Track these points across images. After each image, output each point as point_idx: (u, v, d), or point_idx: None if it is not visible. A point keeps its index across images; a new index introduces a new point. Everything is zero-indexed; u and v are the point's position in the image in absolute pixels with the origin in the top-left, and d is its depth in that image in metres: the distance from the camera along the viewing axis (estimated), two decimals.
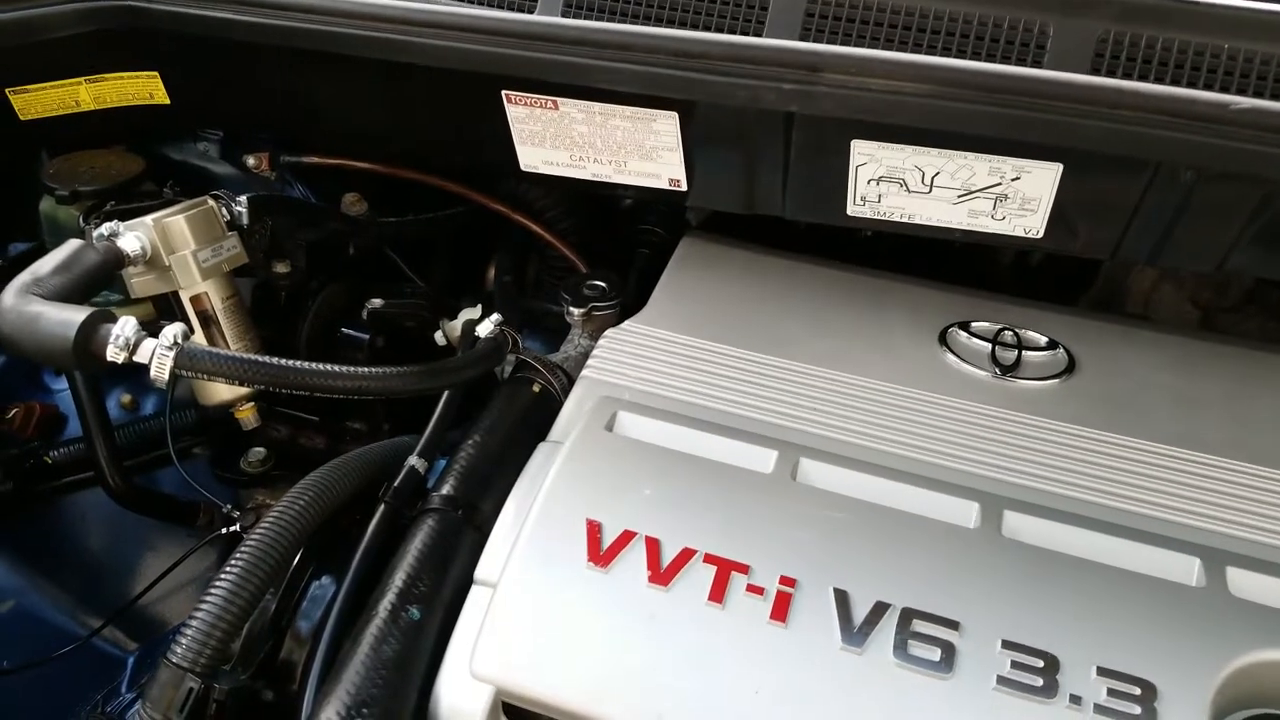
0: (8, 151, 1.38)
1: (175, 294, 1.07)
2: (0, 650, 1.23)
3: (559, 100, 1.03)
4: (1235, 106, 0.77)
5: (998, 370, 1.03)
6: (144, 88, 1.25)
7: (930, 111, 0.87)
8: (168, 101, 1.24)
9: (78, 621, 1.28)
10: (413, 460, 0.98)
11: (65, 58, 1.19)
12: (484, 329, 1.07)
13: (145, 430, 1.32)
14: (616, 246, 1.39)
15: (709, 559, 0.83)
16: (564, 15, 1.07)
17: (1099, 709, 0.73)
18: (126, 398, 1.39)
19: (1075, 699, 0.74)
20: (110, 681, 1.25)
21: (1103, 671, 0.75)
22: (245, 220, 1.11)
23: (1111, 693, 0.74)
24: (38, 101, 1.23)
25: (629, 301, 1.18)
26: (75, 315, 0.84)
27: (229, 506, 1.16)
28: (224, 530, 1.14)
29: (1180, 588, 0.82)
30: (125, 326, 0.84)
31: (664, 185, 1.09)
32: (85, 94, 1.24)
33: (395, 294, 1.27)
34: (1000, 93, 0.85)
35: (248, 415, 1.15)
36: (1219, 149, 0.79)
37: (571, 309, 1.17)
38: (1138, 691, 0.74)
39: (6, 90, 1.20)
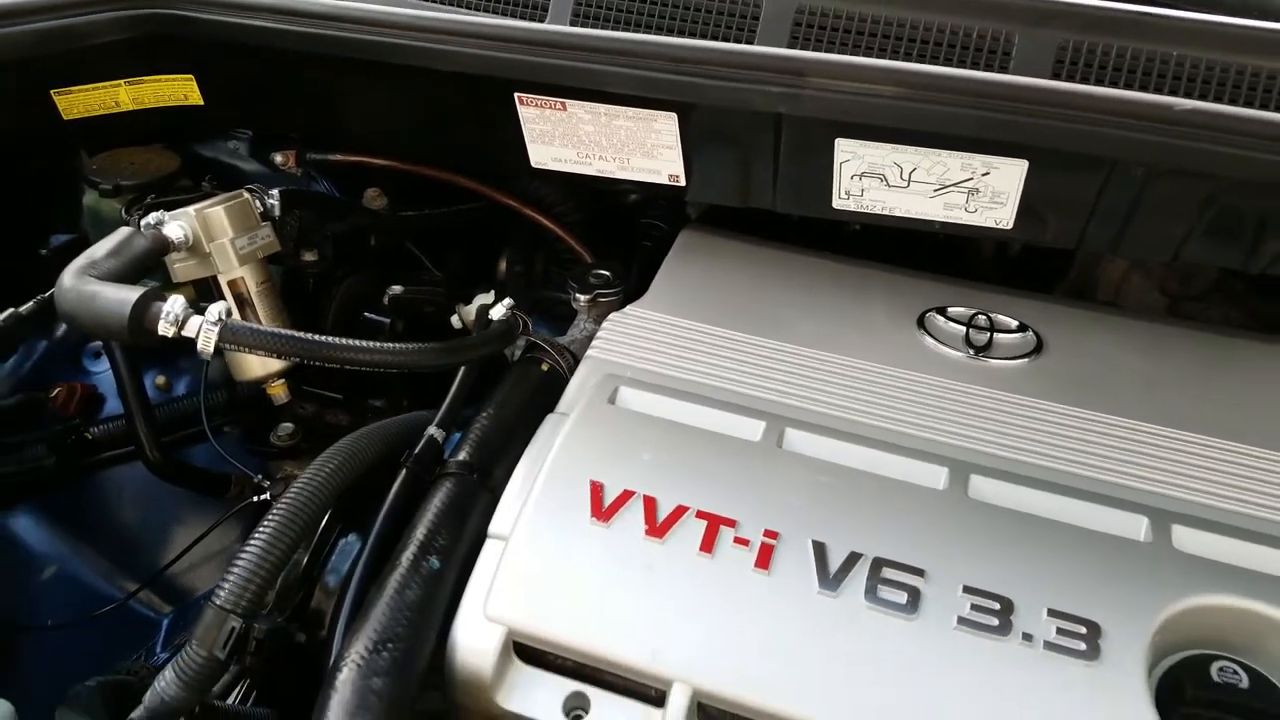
0: (51, 149, 1.47)
1: (214, 278, 1.16)
2: (44, 610, 1.33)
3: (567, 102, 1.12)
4: (1179, 107, 0.86)
5: (971, 351, 1.11)
6: (180, 90, 1.33)
7: (905, 112, 0.95)
8: (201, 103, 1.33)
9: (115, 586, 1.37)
10: (431, 430, 1.07)
11: (107, 61, 1.27)
12: (497, 312, 1.16)
13: (179, 409, 1.41)
14: (621, 240, 1.48)
15: (700, 515, 0.92)
16: (572, 24, 1.16)
17: (1048, 645, 0.82)
18: (161, 379, 1.48)
19: (1027, 636, 0.82)
20: (146, 642, 1.35)
21: (1053, 613, 0.84)
22: (277, 212, 1.21)
23: (1060, 631, 0.82)
24: (80, 102, 1.32)
25: (632, 289, 1.26)
26: (130, 294, 0.93)
27: (259, 477, 1.25)
28: (255, 499, 1.23)
29: (1128, 542, 0.90)
30: (175, 304, 0.93)
31: (664, 181, 1.18)
32: (124, 95, 1.33)
33: (414, 282, 1.36)
34: (969, 95, 0.93)
35: (279, 391, 1.24)
36: (1164, 146, 0.88)
37: (578, 295, 1.26)
38: (1083, 630, 0.82)
39: (51, 92, 1.29)
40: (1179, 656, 0.85)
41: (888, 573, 0.87)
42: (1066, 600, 0.84)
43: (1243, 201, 0.95)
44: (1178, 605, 0.85)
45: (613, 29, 1.12)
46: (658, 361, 1.11)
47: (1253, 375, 1.09)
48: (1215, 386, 1.08)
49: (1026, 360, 1.11)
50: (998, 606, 0.84)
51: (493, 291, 1.29)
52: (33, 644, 1.26)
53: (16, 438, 1.38)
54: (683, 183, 1.17)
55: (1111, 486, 0.96)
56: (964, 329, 1.14)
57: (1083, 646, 0.82)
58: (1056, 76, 0.98)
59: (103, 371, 1.51)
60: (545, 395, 1.11)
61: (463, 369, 1.12)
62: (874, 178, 1.07)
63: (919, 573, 0.87)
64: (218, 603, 0.88)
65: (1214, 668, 0.84)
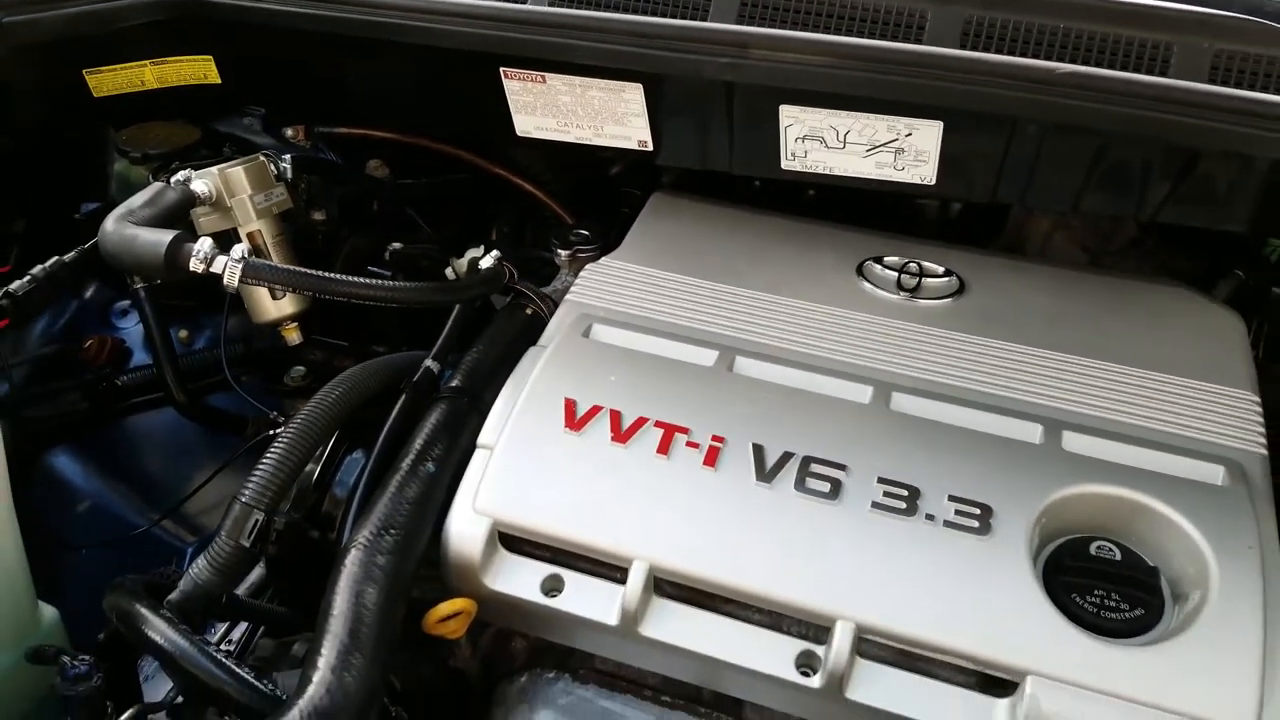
0: (82, 124, 1.62)
1: (234, 230, 1.31)
2: (82, 537, 1.47)
3: (546, 75, 1.27)
4: (1059, 71, 1.01)
5: (901, 293, 1.26)
6: (200, 69, 1.48)
7: (835, 79, 1.10)
8: (219, 81, 1.47)
9: (145, 518, 1.52)
10: (428, 361, 1.22)
11: (134, 43, 1.42)
12: (485, 262, 1.32)
13: (200, 360, 1.56)
14: (602, 207, 1.63)
15: (658, 424, 1.07)
16: (550, 4, 1.31)
17: (947, 524, 0.97)
18: (184, 333, 1.64)
19: (930, 516, 0.98)
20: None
21: (952, 498, 0.99)
22: (289, 175, 1.36)
23: (958, 512, 0.98)
24: (109, 81, 1.46)
25: (608, 247, 1.41)
26: (164, 235, 1.08)
27: (275, 414, 1.40)
28: (270, 432, 1.37)
29: (1024, 444, 1.06)
30: (204, 244, 1.08)
31: (634, 146, 1.33)
32: (150, 74, 1.47)
33: (412, 242, 1.51)
34: (889, 63, 1.08)
35: (292, 334, 1.39)
36: (1050, 105, 1.03)
37: (559, 251, 1.41)
38: (978, 511, 0.98)
39: (83, 71, 1.43)
40: (1063, 540, 1.00)
41: (815, 468, 1.02)
42: (965, 488, 1.00)
43: (1125, 154, 1.10)
44: (1061, 492, 1.00)
45: (584, 9, 1.27)
46: (628, 304, 1.26)
47: (1143, 311, 1.24)
48: (1110, 321, 1.23)
49: (950, 300, 1.26)
50: (906, 493, 0.99)
51: (483, 246, 1.44)
52: (73, 563, 1.41)
53: (53, 385, 1.53)
54: (650, 148, 1.32)
55: (1014, 402, 1.11)
56: (897, 274, 1.29)
57: (976, 525, 0.97)
58: (963, 46, 1.13)
59: (130, 327, 1.66)
60: (529, 335, 1.25)
61: (456, 308, 1.27)
62: (815, 140, 1.22)
63: (841, 467, 1.02)
64: (244, 499, 1.03)
65: (1092, 546, 0.99)
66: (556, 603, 1.01)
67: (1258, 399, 1.12)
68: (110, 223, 1.11)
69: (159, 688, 1.25)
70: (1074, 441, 1.06)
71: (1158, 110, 0.99)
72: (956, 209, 1.55)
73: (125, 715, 1.02)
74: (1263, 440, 1.07)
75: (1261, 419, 1.10)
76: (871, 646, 0.95)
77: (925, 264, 1.30)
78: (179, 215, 1.21)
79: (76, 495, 1.52)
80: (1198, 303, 1.26)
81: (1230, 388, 1.13)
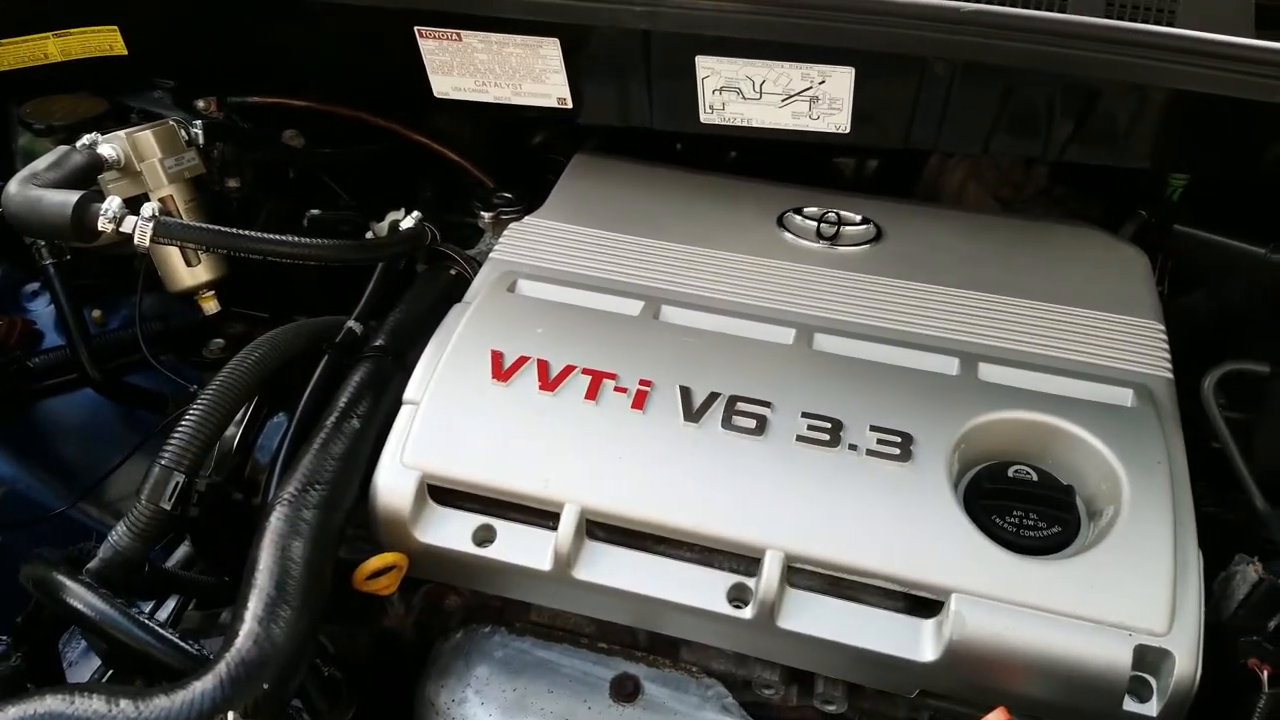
0: None
1: (145, 195, 1.28)
2: None
3: (461, 32, 1.26)
4: (964, 9, 1.03)
5: (821, 241, 1.28)
6: (105, 40, 1.44)
7: (749, 25, 1.12)
8: (125, 52, 1.44)
9: (63, 502, 1.48)
10: (350, 323, 1.21)
11: (35, 13, 1.38)
12: (406, 223, 1.30)
13: (116, 339, 1.51)
14: (525, 174, 1.62)
15: (585, 371, 1.07)
16: None
17: (870, 452, 0.99)
18: (97, 313, 1.59)
19: (853, 446, 1.00)
20: None
21: (874, 428, 1.01)
22: (201, 140, 1.33)
23: (880, 441, 1.00)
24: (10, 54, 1.42)
25: (532, 209, 1.41)
26: (70, 196, 1.05)
27: (194, 388, 1.37)
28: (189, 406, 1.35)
29: (941, 376, 1.08)
30: (112, 203, 1.06)
31: (554, 104, 1.33)
32: (53, 47, 1.43)
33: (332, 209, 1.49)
34: (800, 7, 1.10)
35: (209, 302, 1.37)
36: (957, 43, 1.05)
37: (483, 213, 1.41)
38: (899, 440, 1.00)
39: None
40: (982, 465, 1.03)
41: (740, 406, 1.03)
42: (886, 418, 1.02)
43: (1030, 92, 1.13)
44: (979, 419, 1.02)
45: None
46: (553, 260, 1.26)
47: (1053, 250, 1.28)
48: (1022, 259, 1.26)
49: (868, 246, 1.28)
50: (829, 426, 1.01)
51: (403, 209, 1.42)
52: None
53: None
54: (570, 105, 1.32)
55: (932, 339, 1.14)
56: (816, 224, 1.31)
57: (898, 453, 0.99)
58: None
59: (40, 309, 1.61)
60: (453, 294, 1.25)
61: (378, 269, 1.26)
62: (732, 91, 1.24)
63: (766, 404, 1.03)
64: (163, 462, 1.01)
65: (1010, 469, 1.01)
66: (489, 552, 1.01)
67: (1162, 327, 1.16)
68: (14, 185, 1.08)
69: (84, 671, 1.22)
70: (990, 372, 1.09)
71: (1058, 45, 1.02)
72: (872, 166, 1.58)
73: None
74: (1168, 365, 1.11)
75: (1166, 345, 1.14)
76: (801, 576, 0.96)
77: (843, 213, 1.32)
78: (86, 179, 1.18)
79: None
80: (1104, 240, 1.30)
81: (1137, 318, 1.17)
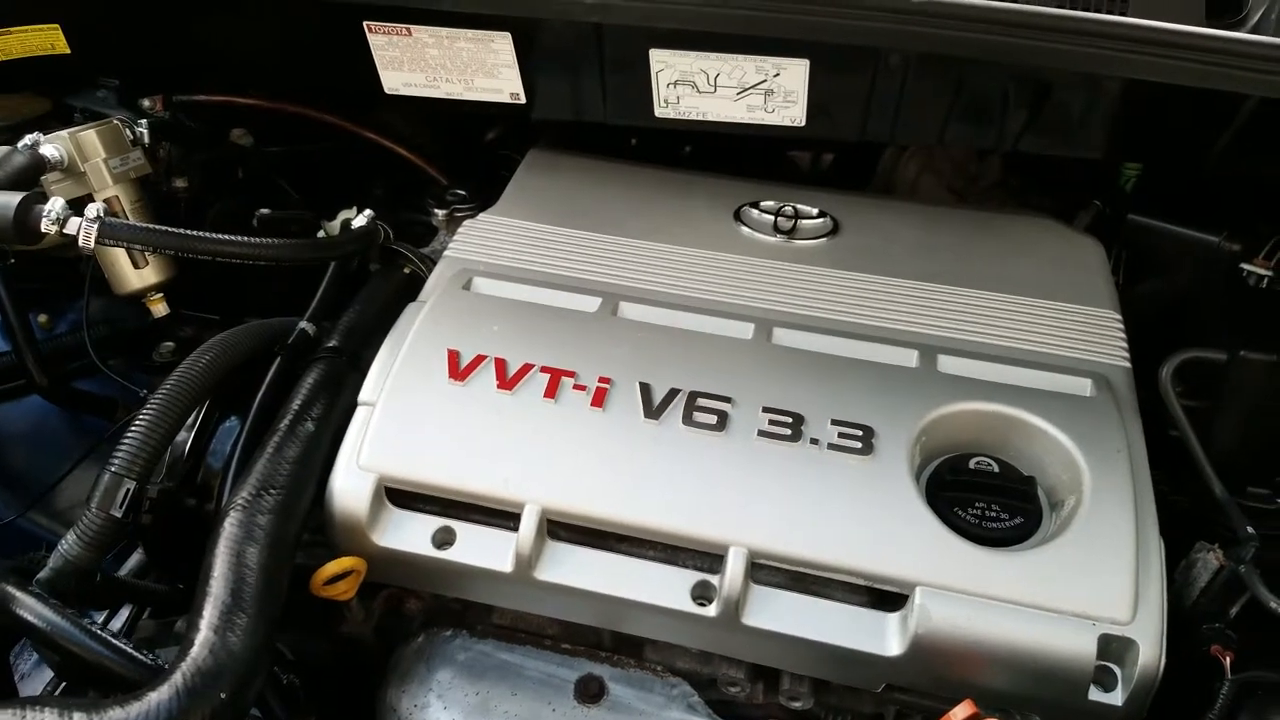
0: None
1: (90, 196, 1.24)
2: None
3: (412, 27, 1.24)
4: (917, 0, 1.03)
5: (778, 235, 1.28)
6: (46, 39, 1.40)
7: (699, 16, 1.10)
8: (68, 51, 1.40)
9: (10, 510, 1.44)
10: (303, 324, 1.18)
11: None
12: (359, 221, 1.28)
13: (63, 344, 1.48)
14: (480, 170, 1.60)
15: (544, 369, 1.06)
16: None
17: (831, 446, 0.99)
18: (43, 318, 1.55)
19: (815, 440, 0.99)
20: None
21: (835, 422, 1.01)
22: (146, 140, 1.30)
23: (841, 435, 1.00)
24: None
25: (486, 207, 1.39)
26: (12, 197, 1.02)
27: (144, 391, 1.34)
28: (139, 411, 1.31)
29: (901, 369, 1.08)
30: (55, 204, 1.03)
31: (506, 99, 1.31)
32: None
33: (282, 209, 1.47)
34: None
35: (158, 305, 1.34)
36: (911, 34, 1.05)
37: (436, 211, 1.39)
38: (860, 433, 1.00)
39: None
40: (944, 457, 1.03)
41: (701, 402, 1.02)
42: (847, 411, 1.02)
43: (984, 82, 1.14)
44: (939, 411, 1.02)
45: None
46: (508, 257, 1.24)
47: (1009, 241, 1.29)
48: (978, 251, 1.27)
49: (825, 239, 1.28)
50: (790, 420, 1.01)
51: (355, 207, 1.40)
52: None
53: None
54: (523, 100, 1.30)
55: (891, 331, 1.14)
56: (773, 217, 1.30)
57: (859, 446, 0.99)
58: None
59: None
60: (407, 293, 1.23)
61: (330, 269, 1.23)
62: (686, 85, 1.23)
63: (727, 400, 1.02)
64: (113, 468, 0.98)
65: (971, 461, 1.02)
66: (449, 555, 1.00)
67: (1119, 317, 1.17)
68: None
69: (36, 684, 1.19)
70: (949, 364, 1.09)
71: (1012, 35, 1.01)
72: (828, 160, 1.58)
73: None
74: (1126, 354, 1.12)
75: (1124, 335, 1.14)
76: (765, 572, 0.96)
77: (800, 206, 1.31)
78: (28, 180, 1.14)
79: None
80: (1060, 231, 1.31)
81: (1094, 308, 1.18)
